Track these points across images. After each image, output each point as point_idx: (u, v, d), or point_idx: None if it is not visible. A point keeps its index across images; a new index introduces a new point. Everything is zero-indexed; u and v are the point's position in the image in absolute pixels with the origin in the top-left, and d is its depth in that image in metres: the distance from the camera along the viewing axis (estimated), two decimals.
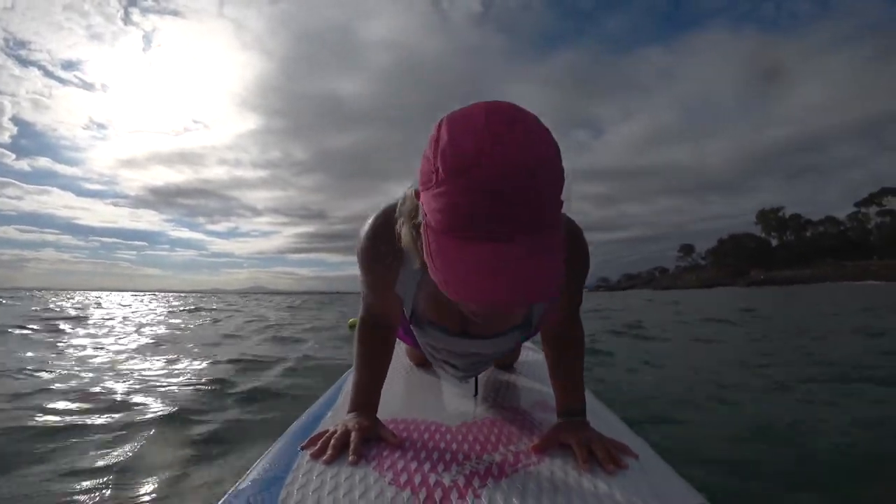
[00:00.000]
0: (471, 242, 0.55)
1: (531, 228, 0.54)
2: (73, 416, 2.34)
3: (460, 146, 0.54)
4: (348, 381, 1.13)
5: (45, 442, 1.97)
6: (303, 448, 0.82)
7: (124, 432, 2.13)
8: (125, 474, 1.70)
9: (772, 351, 4.55)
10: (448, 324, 0.96)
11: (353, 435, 0.82)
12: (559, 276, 0.58)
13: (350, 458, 0.76)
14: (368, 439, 0.83)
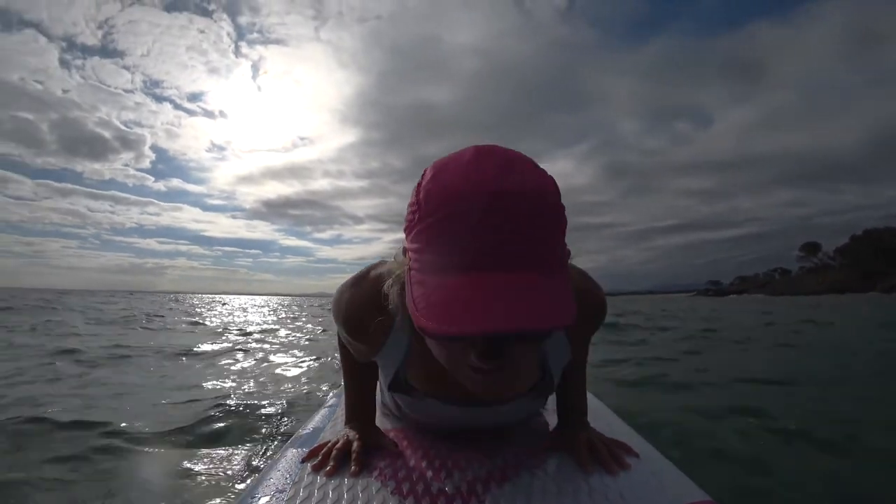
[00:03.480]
0: (455, 276, 0.48)
1: (523, 263, 0.48)
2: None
3: (443, 180, 0.51)
4: None
5: None
6: (304, 461, 0.82)
7: (117, 449, 2.06)
8: (117, 489, 1.67)
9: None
10: (448, 390, 0.80)
11: (354, 445, 0.82)
12: (567, 303, 0.49)
13: (352, 468, 0.76)
14: (369, 449, 0.83)
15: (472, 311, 0.45)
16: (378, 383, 0.99)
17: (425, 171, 0.54)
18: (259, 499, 0.71)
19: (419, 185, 0.53)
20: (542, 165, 0.54)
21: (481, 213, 0.47)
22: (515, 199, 0.48)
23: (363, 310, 0.75)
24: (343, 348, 0.93)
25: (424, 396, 0.82)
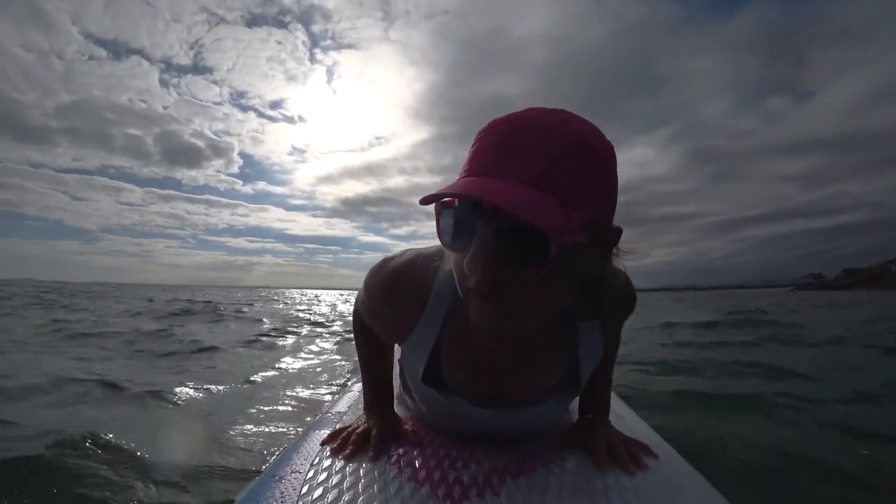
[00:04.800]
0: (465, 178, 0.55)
1: (524, 178, 0.51)
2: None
3: (489, 121, 0.58)
4: None
5: None
6: (323, 443, 0.84)
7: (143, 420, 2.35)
8: (139, 463, 1.82)
9: None
10: (478, 388, 0.79)
11: (373, 431, 0.83)
12: (545, 211, 0.50)
13: (370, 453, 0.77)
14: (388, 436, 0.84)
15: (456, 187, 0.52)
16: (396, 375, 1.01)
17: None
18: (278, 478, 0.73)
19: None
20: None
21: (508, 131, 0.54)
22: (546, 128, 0.52)
23: (403, 277, 0.76)
24: (361, 331, 0.93)
25: (454, 394, 0.80)
